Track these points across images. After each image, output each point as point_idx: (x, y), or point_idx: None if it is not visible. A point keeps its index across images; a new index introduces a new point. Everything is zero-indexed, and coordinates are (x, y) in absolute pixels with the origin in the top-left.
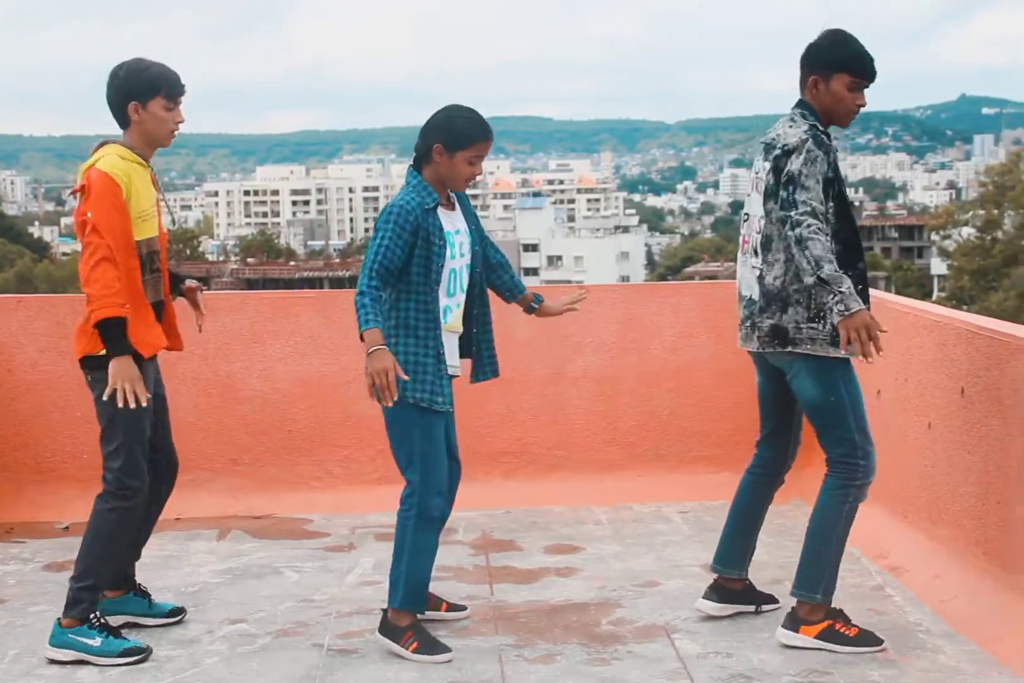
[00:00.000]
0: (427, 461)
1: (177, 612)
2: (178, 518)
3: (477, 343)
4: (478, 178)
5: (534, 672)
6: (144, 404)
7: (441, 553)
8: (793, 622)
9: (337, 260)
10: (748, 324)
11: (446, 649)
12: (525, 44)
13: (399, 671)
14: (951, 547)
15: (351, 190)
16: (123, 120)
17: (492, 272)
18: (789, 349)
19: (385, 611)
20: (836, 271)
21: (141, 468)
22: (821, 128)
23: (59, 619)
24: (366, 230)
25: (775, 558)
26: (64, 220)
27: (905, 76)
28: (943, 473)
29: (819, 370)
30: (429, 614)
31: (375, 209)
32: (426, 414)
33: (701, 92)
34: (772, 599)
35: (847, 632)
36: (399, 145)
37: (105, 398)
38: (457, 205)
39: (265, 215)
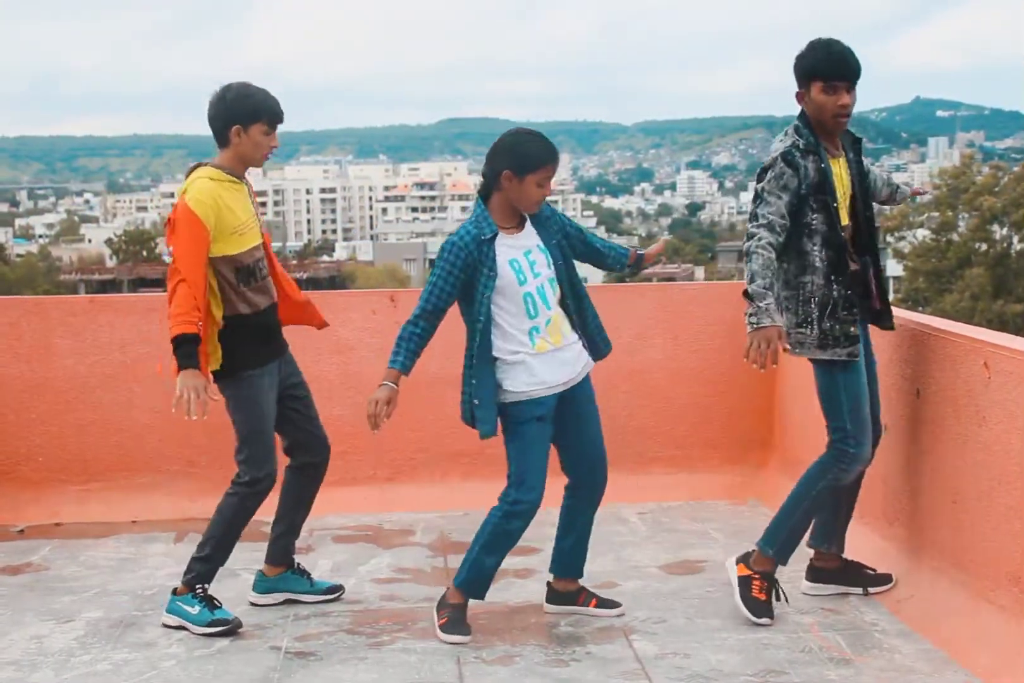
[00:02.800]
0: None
1: (335, 590)
2: (134, 521)
3: (581, 327)
4: (548, 199)
5: (492, 673)
6: (196, 416)
7: (399, 555)
8: (743, 558)
9: (294, 261)
10: None
11: (466, 632)
12: (481, 44)
13: (356, 673)
14: (906, 547)
15: (308, 191)
16: (223, 140)
17: (599, 259)
18: (793, 351)
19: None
20: (762, 288)
21: (263, 461)
22: (804, 143)
23: (174, 588)
24: (323, 231)
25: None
26: (18, 221)
27: (860, 78)
28: (898, 473)
29: (819, 367)
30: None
31: (332, 210)
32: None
33: (658, 94)
34: (884, 579)
35: (755, 594)
36: (356, 146)
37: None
38: (528, 224)
39: None
